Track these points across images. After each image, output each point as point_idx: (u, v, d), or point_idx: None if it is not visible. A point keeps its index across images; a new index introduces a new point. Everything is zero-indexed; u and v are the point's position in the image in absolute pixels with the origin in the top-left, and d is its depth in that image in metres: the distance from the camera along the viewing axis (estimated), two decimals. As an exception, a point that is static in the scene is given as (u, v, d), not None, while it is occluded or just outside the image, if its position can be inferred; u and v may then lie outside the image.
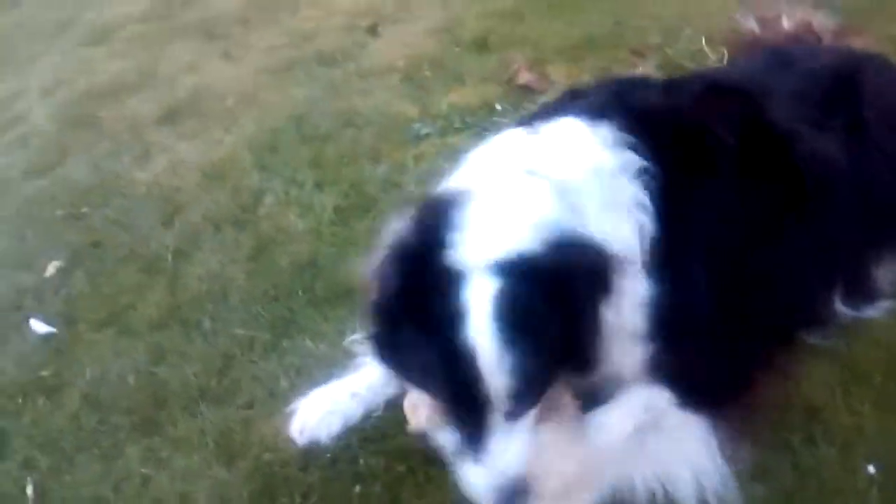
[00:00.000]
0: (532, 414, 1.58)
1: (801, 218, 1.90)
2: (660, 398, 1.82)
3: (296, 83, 3.65)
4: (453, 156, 2.96)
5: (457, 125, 3.16)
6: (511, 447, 1.54)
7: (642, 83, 2.12)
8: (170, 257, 2.81)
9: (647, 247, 1.70)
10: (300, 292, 2.52)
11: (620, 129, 1.74)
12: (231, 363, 2.34)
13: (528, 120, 1.96)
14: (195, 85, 3.88)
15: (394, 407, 2.08)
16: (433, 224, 1.60)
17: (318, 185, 2.95)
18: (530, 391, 1.53)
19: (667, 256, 1.72)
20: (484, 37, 3.66)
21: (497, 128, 2.96)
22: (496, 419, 1.53)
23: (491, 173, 1.71)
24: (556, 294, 1.51)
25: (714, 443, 1.78)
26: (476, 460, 1.56)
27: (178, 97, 3.81)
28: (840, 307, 2.08)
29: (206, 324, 2.49)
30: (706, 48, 3.19)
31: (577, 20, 3.62)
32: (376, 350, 1.68)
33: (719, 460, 1.77)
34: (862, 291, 2.11)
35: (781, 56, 2.26)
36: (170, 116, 3.68)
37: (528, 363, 1.48)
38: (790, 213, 1.89)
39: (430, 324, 1.51)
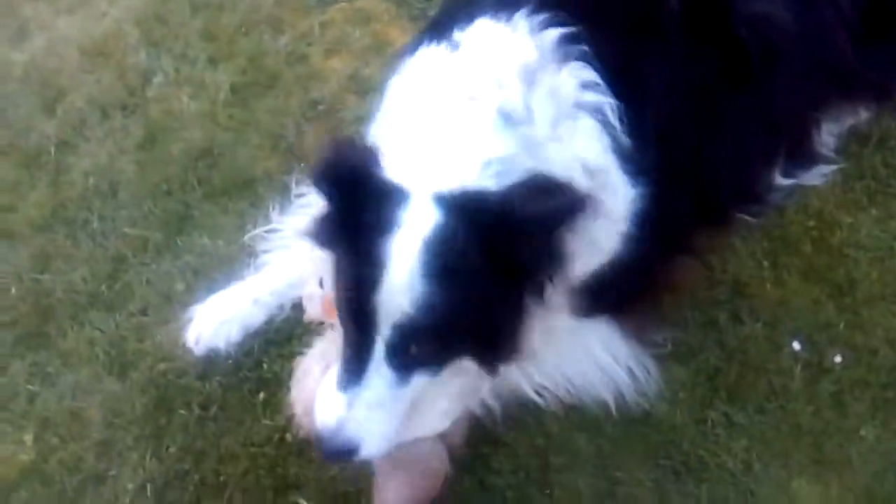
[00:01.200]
0: (417, 383, 1.44)
1: (745, 87, 1.76)
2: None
3: (185, -56, 3.27)
4: (364, 21, 2.76)
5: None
6: (376, 406, 1.41)
7: None
8: (52, 150, 2.52)
9: (619, 144, 1.54)
10: (196, 184, 2.30)
11: (538, 10, 1.54)
12: (122, 266, 2.15)
13: (437, 27, 1.70)
14: (75, -51, 3.46)
15: (299, 308, 1.94)
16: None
17: (212, 61, 2.65)
18: (423, 339, 1.40)
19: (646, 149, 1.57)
20: None
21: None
22: (377, 353, 1.39)
23: (428, 104, 1.53)
24: (498, 251, 1.37)
25: (617, 335, 1.71)
26: (341, 387, 1.42)
27: (56, -35, 3.40)
28: (779, 178, 1.96)
29: (94, 223, 2.26)
30: None
31: None
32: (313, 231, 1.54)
33: (625, 351, 1.70)
34: (803, 158, 2.00)
35: None
36: (47, -12, 3.29)
37: (435, 306, 1.35)
38: (734, 82, 1.74)
39: (360, 229, 1.39)
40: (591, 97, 1.51)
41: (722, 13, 1.73)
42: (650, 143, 1.56)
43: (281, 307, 1.97)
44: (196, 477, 1.73)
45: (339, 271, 1.47)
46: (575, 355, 1.69)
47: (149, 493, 1.72)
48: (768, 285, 1.88)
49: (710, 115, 1.71)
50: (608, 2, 1.66)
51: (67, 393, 1.91)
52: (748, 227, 1.93)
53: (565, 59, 1.51)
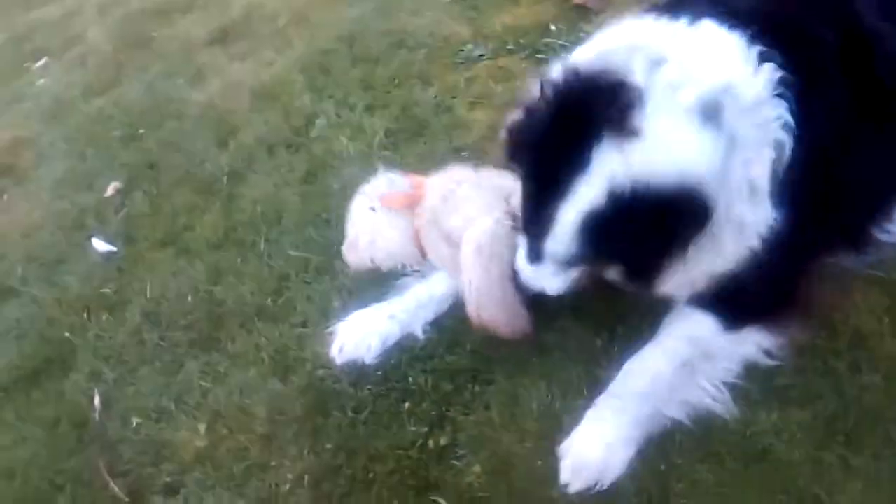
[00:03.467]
0: (576, 271, 1.82)
1: (880, 123, 1.84)
2: (704, 328, 1.85)
3: (347, 3, 3.61)
4: (505, 78, 2.99)
5: (510, 47, 3.11)
6: (551, 279, 1.83)
7: None
8: (225, 179, 2.87)
9: (780, 174, 1.69)
10: (353, 215, 2.56)
11: (752, 36, 1.69)
12: (285, 283, 2.41)
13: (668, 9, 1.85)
14: (246, 5, 3.87)
15: (439, 329, 2.14)
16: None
17: (369, 108, 2.96)
18: (580, 263, 1.77)
19: (793, 181, 1.71)
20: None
21: (552, 50, 2.94)
22: (549, 250, 1.73)
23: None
24: (656, 224, 1.59)
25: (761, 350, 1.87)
26: (529, 260, 1.83)
27: (229, 17, 3.81)
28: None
29: (261, 245, 2.56)
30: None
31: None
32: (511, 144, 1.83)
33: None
34: None
35: None
36: (222, 37, 3.70)
37: (586, 251, 1.69)
38: (874, 117, 1.83)
39: (558, 160, 1.64)
40: (780, 135, 1.66)
41: (867, 52, 1.81)
42: (804, 176, 1.70)
43: (414, 327, 2.16)
44: (348, 472, 1.92)
45: (530, 182, 1.76)
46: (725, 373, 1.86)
47: (306, 484, 1.92)
48: (887, 340, 1.95)
49: (852, 145, 1.79)
50: (797, 46, 1.73)
51: (236, 390, 2.16)
52: (868, 281, 2.02)
53: (773, 95, 1.66)
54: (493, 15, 3.31)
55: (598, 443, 1.79)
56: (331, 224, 2.56)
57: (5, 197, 3.19)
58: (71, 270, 2.72)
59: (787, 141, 1.67)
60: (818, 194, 1.77)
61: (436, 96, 2.96)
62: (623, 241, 1.64)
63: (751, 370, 1.88)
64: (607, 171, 1.57)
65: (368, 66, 3.18)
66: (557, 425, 1.90)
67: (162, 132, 3.19)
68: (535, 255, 1.79)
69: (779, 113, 1.66)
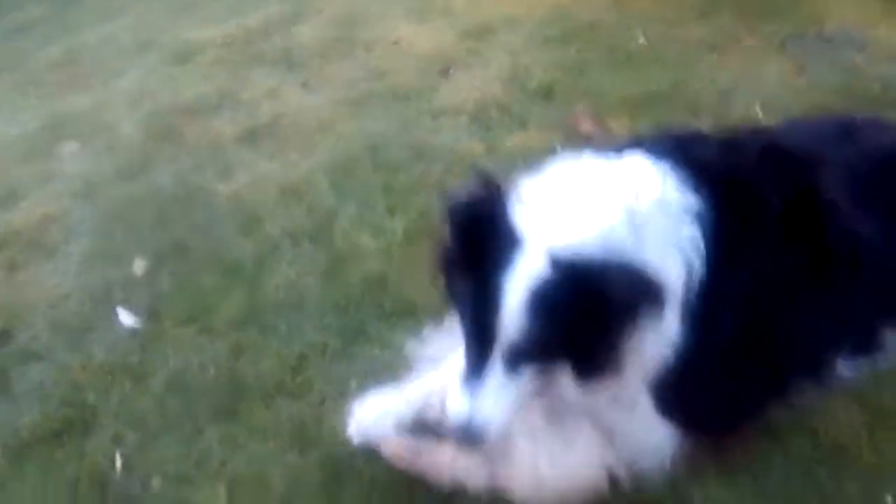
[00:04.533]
0: (525, 379, 1.82)
1: (825, 287, 2.06)
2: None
3: (371, 116, 3.91)
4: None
5: (518, 165, 3.38)
6: (495, 399, 1.81)
7: (701, 137, 2.28)
8: (249, 265, 3.05)
9: (691, 287, 1.89)
10: (370, 306, 2.75)
11: (681, 173, 1.93)
12: (305, 363, 2.57)
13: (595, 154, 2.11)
14: (275, 110, 4.15)
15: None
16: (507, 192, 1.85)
17: (390, 210, 3.19)
18: (530, 354, 1.78)
19: (704, 300, 1.90)
20: (549, 86, 3.89)
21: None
22: (495, 362, 1.79)
23: (567, 177, 1.92)
24: (594, 303, 1.70)
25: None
26: (465, 389, 1.82)
27: (258, 120, 4.08)
28: (841, 366, 2.23)
29: (282, 327, 2.72)
30: (759, 112, 3.42)
31: (637, 77, 3.85)
32: (442, 274, 1.95)
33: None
34: (866, 354, 2.26)
35: (844, 125, 2.37)
36: (250, 137, 3.95)
37: (538, 337, 1.74)
38: (816, 280, 2.05)
39: (481, 265, 1.78)
40: (690, 253, 1.88)
41: (819, 221, 2.04)
42: (722, 307, 1.92)
43: (429, 410, 2.25)
44: (364, 542, 2.04)
45: (466, 296, 1.84)
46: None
47: (323, 551, 2.03)
48: (865, 451, 2.12)
49: (787, 298, 2.01)
50: (729, 191, 1.97)
51: (255, 461, 2.27)
52: (847, 393, 2.21)
53: (687, 216, 1.89)
54: (505, 136, 3.60)
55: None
56: (349, 312, 2.73)
57: (33, 269, 3.33)
58: (97, 339, 2.85)
59: (696, 262, 1.88)
60: (755, 332, 1.99)
61: (451, 204, 3.20)
62: (569, 314, 1.72)
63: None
64: (540, 244, 1.75)
65: (389, 172, 3.43)
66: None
67: (190, 218, 3.39)
68: (477, 369, 1.81)
69: (692, 234, 1.88)
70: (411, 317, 2.67)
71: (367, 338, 2.62)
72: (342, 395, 2.39)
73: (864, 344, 2.25)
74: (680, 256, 1.88)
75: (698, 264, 1.88)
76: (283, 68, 4.59)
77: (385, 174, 3.42)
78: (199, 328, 2.80)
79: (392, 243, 3.01)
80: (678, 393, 1.98)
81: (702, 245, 1.89)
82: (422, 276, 2.81)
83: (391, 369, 2.44)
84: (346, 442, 2.25)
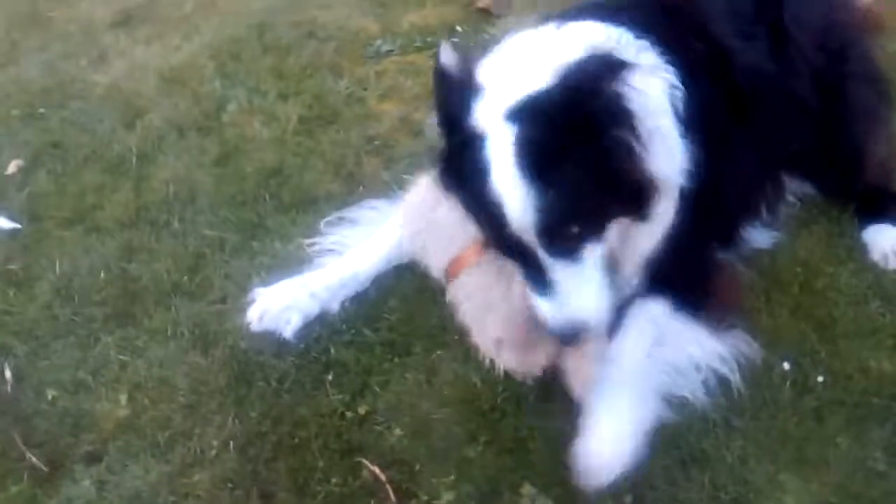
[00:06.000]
0: (593, 254, 1.74)
1: (742, 124, 2.08)
2: (659, 310, 2.02)
3: (256, -8, 3.66)
4: (414, 73, 3.12)
5: (417, 44, 3.26)
6: (582, 291, 1.74)
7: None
8: (134, 160, 2.86)
9: (675, 105, 1.86)
10: (267, 198, 2.63)
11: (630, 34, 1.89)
12: (202, 261, 2.45)
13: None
14: (150, -11, 3.84)
15: (357, 303, 2.25)
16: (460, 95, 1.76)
17: (282, 96, 3.03)
18: (564, 224, 1.68)
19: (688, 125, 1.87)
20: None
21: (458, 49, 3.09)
22: (544, 258, 1.70)
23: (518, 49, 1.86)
24: (571, 126, 1.62)
25: (708, 335, 2.02)
26: (543, 296, 1.75)
27: (132, 2, 3.76)
28: (753, 232, 2.32)
29: (175, 224, 2.58)
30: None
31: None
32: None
33: (715, 348, 2.02)
34: (773, 209, 2.35)
35: None
36: (124, 21, 3.65)
37: (552, 197, 1.63)
38: (736, 120, 2.07)
39: (465, 184, 1.74)
40: (665, 75, 1.86)
41: (726, 62, 2.06)
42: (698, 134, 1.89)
43: (334, 305, 2.25)
44: (273, 438, 1.98)
45: (471, 213, 1.79)
46: (682, 358, 2.00)
47: (231, 449, 1.97)
48: (764, 317, 2.20)
49: (725, 140, 2.03)
50: (678, 47, 1.96)
51: (155, 363, 2.18)
52: (747, 264, 2.28)
53: (664, 66, 1.88)
54: (401, 13, 3.45)
55: (611, 440, 1.83)
56: (246, 205, 2.62)
57: None
58: (-29, 247, 2.64)
59: (676, 85, 1.86)
60: (705, 181, 1.97)
61: (347, 87, 3.06)
62: (564, 167, 1.65)
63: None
64: (497, 113, 1.68)
65: (279, 54, 3.25)
66: (473, 393, 2.05)
67: (65, 112, 3.13)
68: (538, 271, 1.73)
69: (670, 79, 1.87)
70: (312, 207, 2.58)
71: (267, 231, 2.52)
72: (244, 292, 2.30)
73: (777, 192, 2.35)
74: (663, 87, 1.85)
75: (677, 88, 1.87)
76: (156, -58, 4.21)
77: (274, 56, 3.23)
78: (85, 229, 2.63)
79: (286, 131, 2.87)
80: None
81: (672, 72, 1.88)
82: (320, 164, 2.73)
83: (295, 263, 2.37)
84: (252, 338, 2.19)
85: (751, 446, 1.96)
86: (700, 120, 1.90)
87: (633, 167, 1.70)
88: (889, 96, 2.44)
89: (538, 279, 1.75)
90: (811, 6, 2.30)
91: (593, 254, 1.75)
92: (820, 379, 2.07)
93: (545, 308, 1.76)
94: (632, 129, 1.68)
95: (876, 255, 2.40)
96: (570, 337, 1.77)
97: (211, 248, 2.49)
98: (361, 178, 2.69)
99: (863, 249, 2.38)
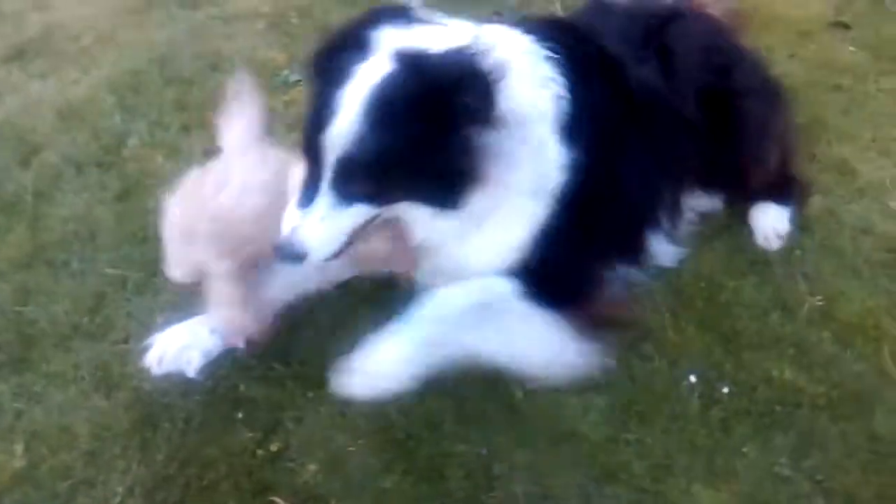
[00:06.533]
0: (358, 209, 1.78)
1: (638, 133, 2.15)
2: (501, 286, 2.03)
3: (156, 24, 3.58)
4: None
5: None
6: (319, 224, 1.76)
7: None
8: (29, 198, 2.74)
9: (560, 114, 1.92)
10: (171, 233, 2.55)
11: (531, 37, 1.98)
12: (103, 301, 2.37)
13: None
14: (45, 22, 3.70)
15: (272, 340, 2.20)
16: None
17: (185, 128, 2.96)
18: (360, 173, 1.72)
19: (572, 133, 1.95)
20: (351, -14, 3.72)
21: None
22: (325, 180, 1.74)
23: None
24: (438, 101, 1.68)
25: (558, 335, 2.02)
26: (298, 206, 1.78)
27: (26, 35, 3.63)
28: (656, 247, 2.37)
29: (74, 264, 2.49)
30: (559, 8, 3.45)
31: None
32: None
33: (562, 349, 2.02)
34: (674, 224, 2.41)
35: (602, 5, 2.51)
36: (18, 55, 3.50)
37: (371, 144, 1.68)
38: (631, 128, 2.14)
39: (323, 71, 1.78)
40: (553, 86, 1.93)
41: (615, 70, 2.15)
42: (580, 139, 1.96)
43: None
44: (181, 480, 1.92)
45: (308, 104, 1.82)
46: (520, 338, 2.01)
47: (137, 495, 1.90)
48: (670, 331, 2.25)
49: (619, 146, 2.10)
50: (573, 50, 2.04)
51: (54, 409, 2.09)
52: (650, 282, 2.34)
53: (545, 59, 1.94)
54: (308, 42, 3.41)
55: (384, 356, 1.88)
56: (148, 241, 2.52)
57: None
58: None
59: (561, 93, 1.93)
60: (594, 185, 2.03)
61: (254, 119, 3.01)
62: (407, 127, 1.69)
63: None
64: (387, 48, 1.74)
65: (182, 87, 3.18)
66: (388, 422, 2.02)
67: (-46, 151, 2.99)
68: (310, 192, 1.77)
69: (558, 89, 1.93)
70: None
71: (171, 268, 2.44)
72: (149, 331, 2.22)
73: (675, 203, 2.40)
74: (542, 86, 1.91)
75: (561, 94, 1.93)
76: (51, -25, 4.09)
77: (177, 89, 3.16)
78: (-24, 273, 2.50)
79: (190, 163, 2.77)
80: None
81: (559, 79, 1.94)
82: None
83: (199, 299, 2.29)
84: (156, 379, 2.11)
85: (663, 460, 2.00)
86: (589, 125, 1.97)
87: (466, 156, 1.76)
88: (780, 102, 2.57)
89: (305, 193, 1.77)
90: (692, 32, 2.42)
91: (358, 212, 1.79)
92: (725, 390, 2.13)
93: (291, 219, 1.78)
94: (483, 123, 1.73)
95: (759, 238, 2.53)
96: (286, 254, 1.78)
97: (112, 286, 2.41)
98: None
99: (763, 262, 2.47)
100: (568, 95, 1.94)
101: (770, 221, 2.54)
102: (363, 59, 1.73)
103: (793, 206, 2.58)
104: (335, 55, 1.78)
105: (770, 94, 2.54)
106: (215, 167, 2.04)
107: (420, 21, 1.88)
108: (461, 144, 1.73)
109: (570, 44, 2.03)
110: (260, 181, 1.94)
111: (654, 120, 2.18)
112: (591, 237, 2.08)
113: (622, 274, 2.27)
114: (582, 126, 1.96)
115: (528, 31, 2.00)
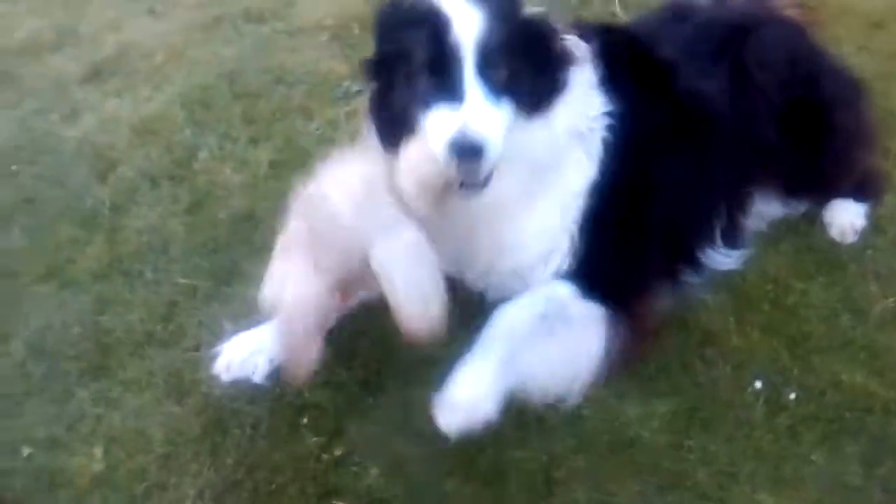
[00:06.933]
0: (506, 105, 1.82)
1: (686, 144, 2.15)
2: (562, 291, 2.05)
3: (224, 40, 3.69)
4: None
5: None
6: (491, 115, 1.77)
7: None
8: (107, 212, 2.86)
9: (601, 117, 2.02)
10: (239, 243, 2.64)
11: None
12: (175, 310, 2.45)
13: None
14: (119, 42, 3.85)
15: (330, 343, 2.22)
16: None
17: (253, 141, 3.05)
18: (498, 50, 1.79)
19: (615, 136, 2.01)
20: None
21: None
22: (469, 72, 1.77)
23: None
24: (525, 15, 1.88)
25: (614, 335, 2.03)
26: (452, 103, 1.77)
27: (102, 55, 3.78)
28: (713, 255, 2.34)
29: (148, 274, 2.59)
30: (619, 10, 3.42)
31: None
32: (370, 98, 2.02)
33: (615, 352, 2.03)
34: (734, 233, 2.37)
35: (680, 9, 2.48)
36: (95, 74, 3.65)
37: (496, 23, 1.80)
38: (678, 137, 2.14)
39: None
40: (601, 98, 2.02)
41: (663, 79, 2.15)
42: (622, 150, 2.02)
43: None
44: (249, 485, 1.98)
45: (409, 52, 1.83)
46: (578, 344, 2.03)
47: (207, 499, 1.96)
48: (734, 336, 2.22)
49: (662, 150, 2.10)
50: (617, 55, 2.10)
51: (131, 415, 2.18)
52: (715, 283, 2.30)
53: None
54: (369, 53, 3.46)
55: (472, 388, 1.88)
56: (219, 252, 2.62)
57: None
58: (-55, 306, 2.63)
59: (608, 106, 2.00)
60: (638, 187, 2.06)
61: (318, 129, 3.09)
62: (515, 17, 1.86)
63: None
64: None
65: (249, 100, 3.27)
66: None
67: (37, 168, 3.13)
68: (452, 88, 1.77)
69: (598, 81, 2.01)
70: (286, 251, 2.58)
71: (240, 277, 2.52)
72: (218, 339, 2.31)
73: (733, 218, 2.36)
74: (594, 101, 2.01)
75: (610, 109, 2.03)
76: (125, -6, 4.25)
77: (244, 102, 3.26)
78: (59, 283, 2.62)
79: (257, 176, 2.89)
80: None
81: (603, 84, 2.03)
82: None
83: (269, 308, 2.35)
84: (225, 385, 2.18)
85: (727, 467, 1.97)
86: (627, 130, 2.02)
87: (560, 42, 1.92)
88: (865, 105, 2.52)
89: (452, 92, 1.77)
90: (772, 44, 2.36)
91: (505, 115, 1.81)
92: (792, 396, 2.09)
93: (450, 118, 1.75)
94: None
95: (835, 233, 2.47)
96: (464, 148, 1.72)
97: (184, 295, 2.49)
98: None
99: (832, 263, 2.41)
100: (608, 101, 1.99)
101: (847, 217, 2.49)
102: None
103: (870, 201, 2.53)
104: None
105: (856, 98, 2.49)
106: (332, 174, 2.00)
107: None
108: (553, 47, 1.90)
109: (614, 49, 2.05)
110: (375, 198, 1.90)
111: (712, 134, 2.16)
112: (635, 235, 2.08)
113: (679, 283, 2.25)
114: (621, 131, 2.00)
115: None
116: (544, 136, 1.93)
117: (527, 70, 1.85)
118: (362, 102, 3.11)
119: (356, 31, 3.64)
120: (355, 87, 3.27)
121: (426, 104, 1.80)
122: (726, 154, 2.20)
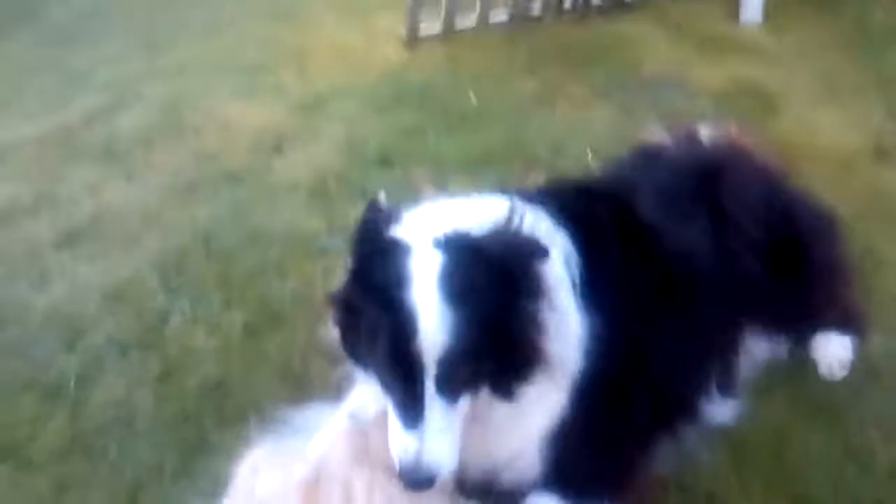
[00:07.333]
0: (463, 404, 1.70)
1: (673, 306, 2.07)
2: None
3: (201, 202, 3.68)
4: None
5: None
6: (442, 436, 1.65)
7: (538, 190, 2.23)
8: (72, 384, 2.73)
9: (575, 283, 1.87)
10: (209, 413, 2.51)
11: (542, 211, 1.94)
12: (139, 492, 2.30)
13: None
14: (96, 207, 3.82)
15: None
16: (382, 218, 1.77)
17: (226, 303, 2.97)
18: (463, 362, 1.64)
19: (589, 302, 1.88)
20: (386, 153, 3.81)
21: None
22: (429, 389, 1.63)
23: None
24: (496, 272, 1.65)
25: None
26: (407, 428, 1.66)
27: (77, 220, 3.75)
28: (709, 406, 2.24)
29: (112, 452, 2.43)
30: (590, 159, 3.45)
31: (472, 137, 3.85)
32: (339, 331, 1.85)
33: None
34: (728, 377, 2.28)
35: (651, 154, 2.50)
36: (69, 239, 3.60)
37: (463, 329, 1.61)
38: (664, 301, 2.06)
39: (378, 289, 1.65)
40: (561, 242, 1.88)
41: (649, 242, 2.08)
42: (599, 309, 1.88)
43: None
44: None
45: (373, 330, 1.68)
46: None
47: None
48: (736, 498, 2.09)
49: (645, 321, 1.99)
50: (584, 221, 1.99)
51: None
52: (711, 435, 2.19)
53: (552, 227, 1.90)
54: (346, 207, 3.46)
55: None
56: (188, 422, 2.49)
57: None
58: None
59: (574, 256, 1.88)
60: (629, 347, 1.95)
61: (292, 288, 3.03)
62: (480, 306, 1.63)
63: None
64: (423, 240, 1.70)
65: (224, 262, 3.22)
66: None
67: (1, 338, 3.03)
68: (412, 405, 1.65)
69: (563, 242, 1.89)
70: (259, 420, 2.44)
71: (209, 449, 2.38)
72: (184, 523, 2.14)
73: (726, 369, 2.28)
74: (559, 257, 1.86)
75: (575, 266, 1.89)
76: (105, 161, 4.25)
77: (219, 264, 3.20)
78: (15, 465, 2.45)
79: (230, 339, 2.79)
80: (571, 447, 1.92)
81: (574, 252, 1.90)
82: (265, 371, 2.64)
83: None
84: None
85: None
86: (608, 298, 1.90)
87: (533, 338, 1.71)
88: (839, 235, 2.52)
89: (409, 411, 1.66)
90: (747, 183, 2.36)
91: (463, 405, 1.71)
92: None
93: (406, 443, 1.66)
94: (541, 306, 1.71)
95: (823, 368, 2.43)
96: (415, 480, 1.65)
97: (149, 474, 2.34)
98: (308, 380, 2.59)
99: (829, 408, 2.32)
100: (582, 266, 1.89)
101: (833, 350, 2.44)
102: (406, 258, 1.66)
103: (855, 334, 2.48)
104: (375, 266, 1.69)
105: (830, 229, 2.50)
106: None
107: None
108: (525, 315, 1.70)
109: (585, 211, 2.00)
110: None
111: (698, 289, 2.11)
112: (624, 421, 1.97)
113: (677, 439, 2.14)
114: (601, 300, 1.89)
115: (535, 199, 1.97)
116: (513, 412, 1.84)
117: (494, 364, 1.72)
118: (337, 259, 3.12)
119: (332, 186, 3.65)
120: (332, 242, 3.24)
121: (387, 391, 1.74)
122: (715, 302, 2.15)
